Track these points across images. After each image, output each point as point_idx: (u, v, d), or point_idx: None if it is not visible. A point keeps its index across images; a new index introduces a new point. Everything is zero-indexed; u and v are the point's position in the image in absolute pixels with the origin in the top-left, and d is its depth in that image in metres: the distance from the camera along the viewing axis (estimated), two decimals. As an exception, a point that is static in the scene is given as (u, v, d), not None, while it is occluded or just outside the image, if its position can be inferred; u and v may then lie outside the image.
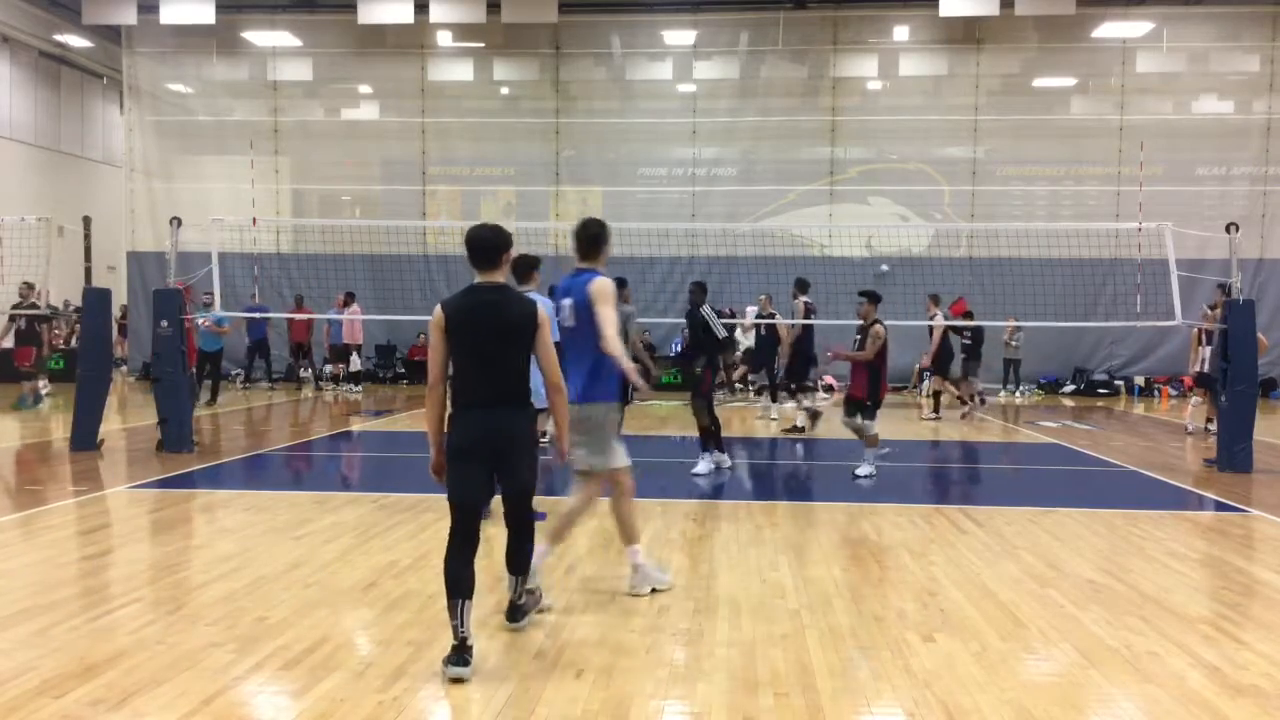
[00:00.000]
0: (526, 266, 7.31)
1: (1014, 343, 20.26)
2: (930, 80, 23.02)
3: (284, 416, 16.40)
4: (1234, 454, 10.78)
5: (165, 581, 6.13)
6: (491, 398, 4.81)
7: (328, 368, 21.36)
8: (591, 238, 5.87)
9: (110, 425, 13.46)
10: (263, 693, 4.37)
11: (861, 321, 10.21)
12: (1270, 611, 5.79)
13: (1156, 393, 21.27)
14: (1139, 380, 21.83)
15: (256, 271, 22.08)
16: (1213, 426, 12.85)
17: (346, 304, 20.36)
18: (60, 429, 13.53)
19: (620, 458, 5.85)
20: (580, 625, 5.27)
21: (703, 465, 10.41)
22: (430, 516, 7.95)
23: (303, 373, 21.44)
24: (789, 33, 22.45)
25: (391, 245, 21.38)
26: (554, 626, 5.23)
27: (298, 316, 20.28)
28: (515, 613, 5.27)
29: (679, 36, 22.69)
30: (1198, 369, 13.69)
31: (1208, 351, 12.83)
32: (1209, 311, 13.40)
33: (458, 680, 4.49)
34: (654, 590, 5.90)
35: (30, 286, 15.59)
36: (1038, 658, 4.92)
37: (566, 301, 5.80)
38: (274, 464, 11.36)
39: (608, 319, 5.67)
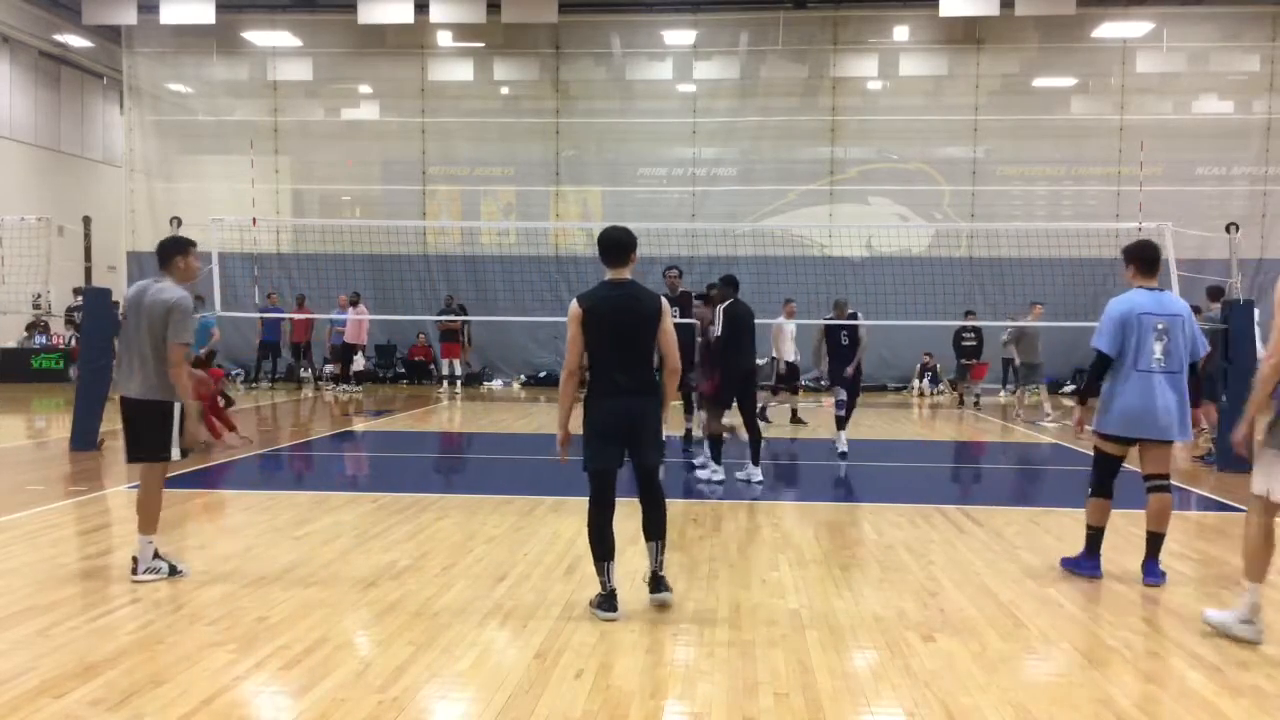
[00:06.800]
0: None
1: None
2: (930, 80, 23.00)
3: (284, 416, 16.39)
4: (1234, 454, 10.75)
5: (165, 581, 6.13)
6: (627, 383, 5.29)
7: (328, 368, 21.37)
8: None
9: (110, 425, 13.45)
10: (263, 693, 4.36)
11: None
12: (1270, 611, 5.78)
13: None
14: (1139, 380, 21.77)
15: (256, 271, 22.08)
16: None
17: (354, 304, 20.44)
18: (60, 429, 13.51)
19: None
20: (580, 625, 5.27)
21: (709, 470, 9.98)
22: (429, 516, 7.96)
23: (303, 373, 21.45)
24: (789, 33, 22.44)
25: (391, 245, 21.40)
26: (554, 626, 5.23)
27: (299, 316, 20.31)
28: (658, 583, 5.50)
29: (679, 36, 22.69)
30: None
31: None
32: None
33: (610, 621, 5.24)
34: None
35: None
36: (1038, 658, 4.92)
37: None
38: (274, 464, 11.36)
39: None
